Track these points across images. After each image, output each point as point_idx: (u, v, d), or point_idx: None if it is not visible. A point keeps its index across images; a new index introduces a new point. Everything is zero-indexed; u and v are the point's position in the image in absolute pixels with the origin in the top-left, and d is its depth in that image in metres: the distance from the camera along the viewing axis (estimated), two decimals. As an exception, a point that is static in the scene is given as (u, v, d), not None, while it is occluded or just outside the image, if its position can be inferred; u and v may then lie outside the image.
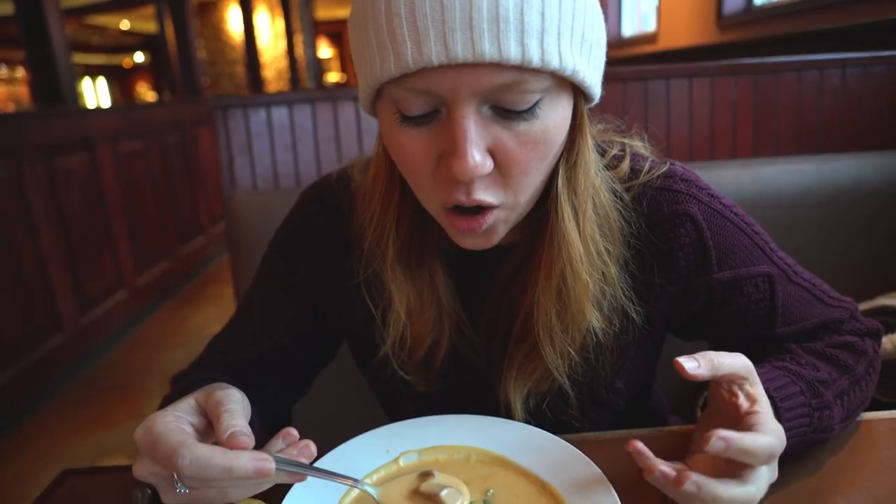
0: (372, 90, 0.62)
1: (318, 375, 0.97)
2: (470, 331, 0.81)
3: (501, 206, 0.65)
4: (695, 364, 0.59)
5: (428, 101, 0.59)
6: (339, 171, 0.87)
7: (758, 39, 3.14)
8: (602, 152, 0.78)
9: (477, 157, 0.59)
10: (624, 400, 0.86)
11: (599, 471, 0.64)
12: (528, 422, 0.76)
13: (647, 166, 0.78)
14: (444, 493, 0.57)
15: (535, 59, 0.56)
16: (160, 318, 4.13)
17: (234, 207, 1.42)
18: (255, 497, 0.62)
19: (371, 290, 0.79)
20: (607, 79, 0.78)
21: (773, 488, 0.63)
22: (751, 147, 1.80)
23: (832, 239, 1.50)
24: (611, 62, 0.76)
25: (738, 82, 1.76)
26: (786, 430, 0.62)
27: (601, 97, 0.69)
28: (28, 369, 2.90)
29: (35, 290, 3.01)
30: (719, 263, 0.77)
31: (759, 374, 0.67)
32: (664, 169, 0.78)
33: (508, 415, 0.79)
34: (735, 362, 0.61)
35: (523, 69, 0.56)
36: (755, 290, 0.79)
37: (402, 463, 0.70)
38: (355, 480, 0.58)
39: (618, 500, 0.60)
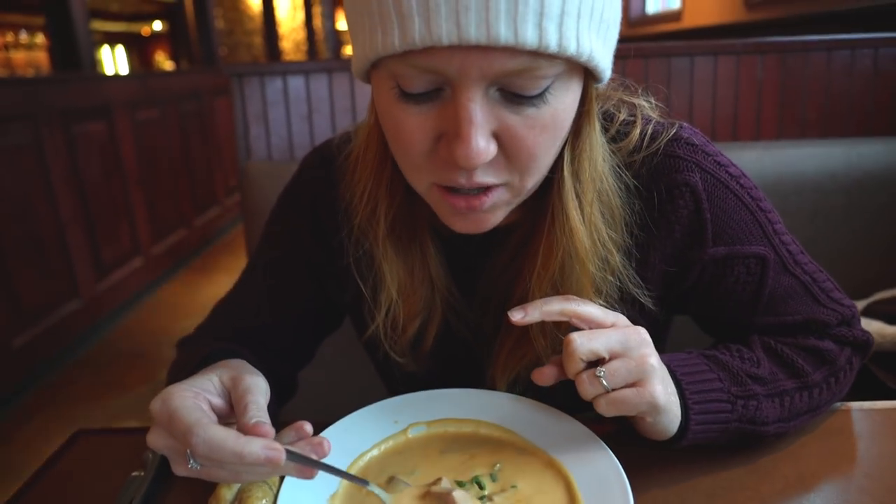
0: (369, 62, 0.57)
1: (331, 345, 0.97)
2: (464, 309, 0.80)
3: (505, 185, 0.62)
4: (521, 314, 0.62)
5: (432, 79, 0.55)
6: (342, 134, 0.84)
7: (786, 19, 3.05)
8: (610, 118, 0.74)
9: (481, 144, 0.55)
10: None
11: (607, 448, 0.64)
12: None
13: (650, 131, 0.73)
14: (456, 492, 0.58)
15: (552, 44, 0.52)
16: (175, 287, 4.17)
17: (249, 177, 1.42)
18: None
19: (361, 266, 0.78)
20: (630, 55, 0.75)
21: (761, 474, 0.63)
22: (775, 129, 1.76)
23: (856, 225, 1.47)
24: (633, 39, 0.73)
25: (764, 61, 1.71)
26: (698, 410, 0.66)
27: (616, 74, 0.65)
28: (45, 333, 2.95)
29: (53, 256, 3.05)
30: (714, 238, 0.74)
31: (681, 358, 0.69)
32: (671, 133, 0.73)
33: None
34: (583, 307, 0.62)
35: (538, 54, 0.52)
36: (745, 272, 0.76)
37: (410, 434, 0.70)
38: (365, 482, 0.58)
39: (625, 477, 0.59)
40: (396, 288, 0.74)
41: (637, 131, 0.73)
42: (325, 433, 0.67)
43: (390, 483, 0.62)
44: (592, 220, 0.68)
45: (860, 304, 1.38)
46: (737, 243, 0.74)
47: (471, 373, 0.81)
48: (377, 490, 0.58)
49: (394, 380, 0.87)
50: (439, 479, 0.60)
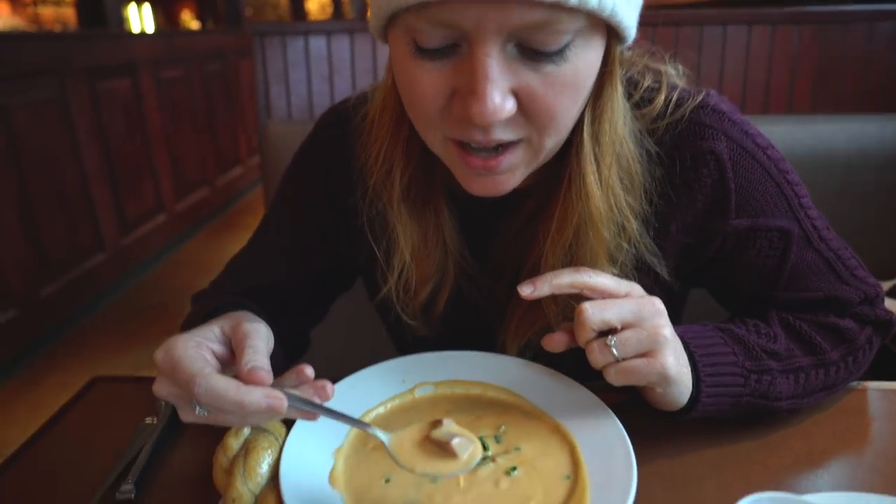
0: (385, 17, 0.57)
1: (344, 304, 0.97)
2: (477, 274, 0.79)
3: (524, 143, 0.60)
4: (530, 288, 0.61)
5: (448, 33, 0.53)
6: (359, 94, 0.83)
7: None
8: (634, 84, 0.72)
9: (497, 100, 0.53)
10: None
11: (614, 416, 0.63)
12: None
13: (675, 97, 0.71)
14: (455, 441, 0.56)
15: None
16: (197, 244, 4.23)
17: (268, 137, 1.41)
18: (271, 414, 0.63)
19: (375, 228, 0.77)
20: (659, 22, 0.72)
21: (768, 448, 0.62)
22: (808, 102, 1.70)
23: (886, 203, 1.42)
24: (665, 7, 0.70)
25: (801, 32, 1.65)
26: (709, 383, 0.65)
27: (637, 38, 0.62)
28: (71, 285, 3.02)
29: (79, 210, 3.10)
30: (738, 209, 0.72)
31: (696, 331, 0.67)
32: (698, 100, 0.71)
33: None
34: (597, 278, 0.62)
35: (558, 7, 0.51)
36: (767, 245, 0.74)
37: (417, 394, 0.70)
38: (366, 425, 0.58)
39: (630, 446, 0.59)
40: (410, 251, 0.74)
41: (661, 98, 0.71)
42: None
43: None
44: (610, 185, 0.66)
45: (887, 285, 1.34)
46: (760, 216, 0.72)
47: (482, 338, 0.81)
48: (378, 432, 0.57)
49: (405, 343, 0.87)
50: (440, 422, 0.58)
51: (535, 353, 0.76)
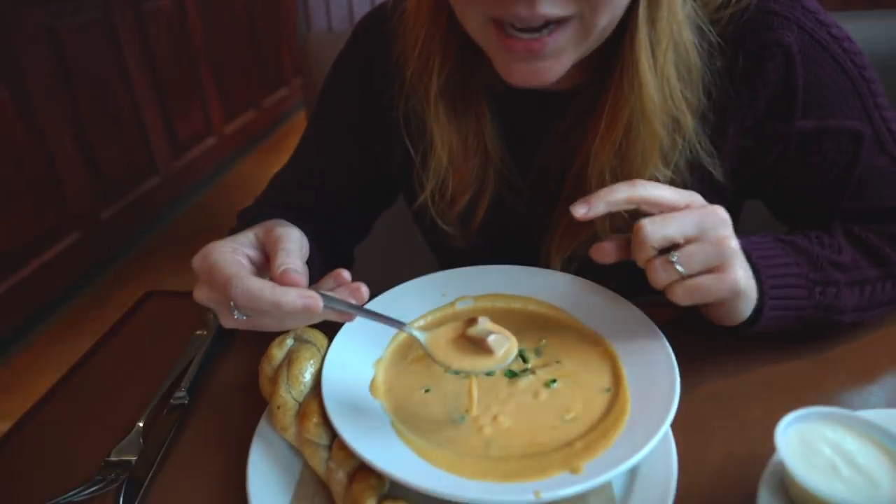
0: None
1: (388, 222, 0.97)
2: (518, 182, 0.75)
3: (574, 21, 0.56)
4: (585, 207, 0.56)
5: None
6: None
7: None
8: None
9: None
10: None
11: (659, 332, 0.61)
12: None
13: None
14: (491, 338, 0.55)
15: None
16: (246, 167, 4.28)
17: (309, 48, 1.38)
18: (312, 326, 0.64)
19: (411, 129, 0.74)
20: None
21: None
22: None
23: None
24: None
25: (891, -87, 1.46)
26: (774, 296, 0.61)
27: None
28: (129, 207, 3.13)
29: (131, 133, 3.16)
30: (805, 108, 0.66)
31: (757, 241, 0.63)
32: None
33: None
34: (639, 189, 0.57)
35: None
36: (834, 150, 0.67)
37: (458, 307, 0.70)
38: (402, 324, 0.58)
39: (675, 362, 0.57)
40: (447, 156, 0.71)
41: None
42: (372, 303, 0.68)
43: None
44: (665, 74, 0.61)
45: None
46: (830, 116, 0.66)
47: (523, 250, 0.78)
48: (414, 331, 0.57)
49: (442, 254, 0.86)
50: (475, 320, 0.57)
51: (579, 266, 0.74)
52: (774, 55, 0.64)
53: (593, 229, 0.70)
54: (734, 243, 0.57)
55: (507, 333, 0.56)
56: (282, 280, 0.55)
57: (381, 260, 1.23)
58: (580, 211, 0.57)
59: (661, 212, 0.58)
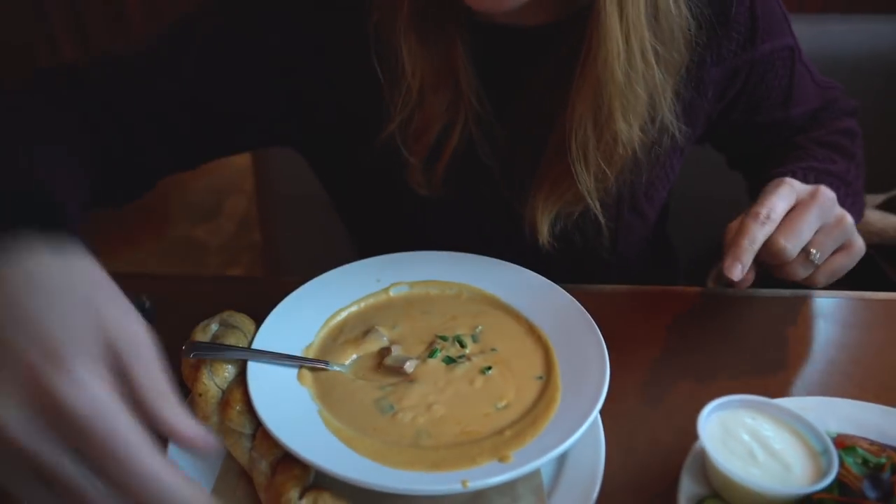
0: None
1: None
2: (492, 122, 0.70)
3: None
4: (738, 268, 0.58)
5: None
6: None
7: None
8: None
9: None
10: (656, 213, 0.84)
11: (590, 318, 0.62)
12: (553, 247, 0.72)
13: None
14: (406, 364, 0.58)
15: None
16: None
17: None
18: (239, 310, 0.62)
19: (378, 57, 0.66)
20: None
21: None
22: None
23: (893, 111, 1.36)
24: None
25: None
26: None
27: None
28: None
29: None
30: (763, 35, 0.73)
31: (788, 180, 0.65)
32: None
33: (533, 237, 0.72)
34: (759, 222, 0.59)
35: None
36: (781, 65, 0.76)
37: (392, 293, 0.68)
38: (326, 363, 0.59)
39: (605, 349, 0.58)
40: (417, 84, 0.65)
41: None
42: (304, 288, 0.66)
43: (368, 334, 0.62)
44: (633, 23, 0.58)
45: (880, 198, 1.31)
46: (776, 37, 0.74)
47: (496, 206, 0.74)
48: (336, 367, 0.59)
49: (396, 215, 0.79)
50: (388, 350, 0.60)
51: (564, 226, 0.73)
52: None
53: (577, 188, 0.67)
54: (847, 217, 0.61)
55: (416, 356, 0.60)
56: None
57: (320, 244, 1.21)
58: (736, 273, 0.58)
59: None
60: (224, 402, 0.54)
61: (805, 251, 0.60)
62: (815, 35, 1.31)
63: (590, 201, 0.69)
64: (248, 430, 0.53)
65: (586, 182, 0.66)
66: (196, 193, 2.81)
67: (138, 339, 0.39)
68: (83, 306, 0.38)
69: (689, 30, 0.65)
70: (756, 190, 0.64)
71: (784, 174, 0.69)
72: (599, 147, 0.65)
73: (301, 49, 0.71)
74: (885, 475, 0.43)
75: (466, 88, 0.67)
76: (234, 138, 0.78)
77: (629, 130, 0.64)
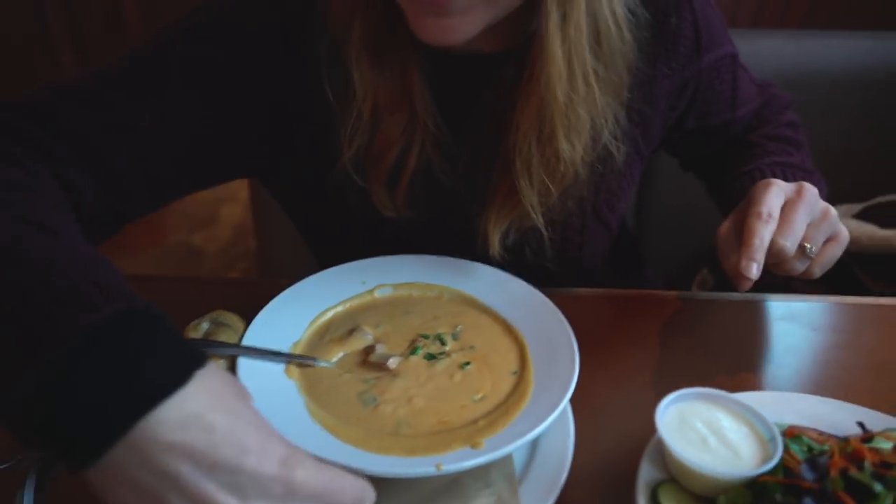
0: None
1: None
2: (450, 143, 0.72)
3: None
4: (754, 267, 0.61)
5: None
6: None
7: None
8: None
9: None
10: (618, 221, 0.87)
11: (563, 318, 0.66)
12: (504, 258, 0.73)
13: None
14: (390, 361, 0.61)
15: None
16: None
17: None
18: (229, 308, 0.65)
19: (332, 84, 0.67)
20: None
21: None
22: (803, 15, 1.65)
23: (870, 125, 1.40)
24: None
25: (803, -61, 1.57)
26: None
27: None
28: None
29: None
30: (706, 46, 0.77)
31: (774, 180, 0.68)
32: None
33: (485, 249, 0.73)
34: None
35: None
36: (725, 71, 0.80)
37: (376, 294, 0.72)
38: (313, 359, 0.62)
39: (575, 343, 0.62)
40: (369, 109, 0.66)
41: None
42: (291, 290, 0.69)
43: (353, 333, 0.65)
44: (574, 43, 0.60)
45: (857, 207, 1.35)
46: (718, 47, 0.78)
47: (459, 220, 0.76)
48: (323, 363, 0.62)
49: (369, 235, 0.80)
50: (373, 347, 0.63)
51: (515, 239, 0.74)
52: (681, 5, 0.73)
53: (524, 205, 0.69)
54: (832, 210, 0.65)
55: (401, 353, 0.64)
56: None
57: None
58: (753, 272, 0.61)
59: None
60: (216, 394, 0.57)
61: (800, 247, 0.63)
62: (795, 51, 1.37)
63: (534, 216, 0.70)
64: (237, 421, 0.56)
65: (530, 197, 0.68)
66: (193, 202, 2.84)
67: None
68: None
69: (630, 53, 0.66)
70: (719, 190, 0.69)
71: (753, 172, 0.76)
72: (542, 164, 0.67)
73: (271, 74, 0.70)
74: (823, 459, 0.46)
75: (422, 111, 0.68)
76: (212, 172, 0.74)
77: (571, 150, 0.66)
